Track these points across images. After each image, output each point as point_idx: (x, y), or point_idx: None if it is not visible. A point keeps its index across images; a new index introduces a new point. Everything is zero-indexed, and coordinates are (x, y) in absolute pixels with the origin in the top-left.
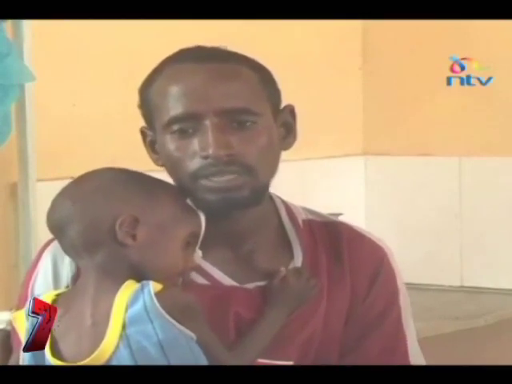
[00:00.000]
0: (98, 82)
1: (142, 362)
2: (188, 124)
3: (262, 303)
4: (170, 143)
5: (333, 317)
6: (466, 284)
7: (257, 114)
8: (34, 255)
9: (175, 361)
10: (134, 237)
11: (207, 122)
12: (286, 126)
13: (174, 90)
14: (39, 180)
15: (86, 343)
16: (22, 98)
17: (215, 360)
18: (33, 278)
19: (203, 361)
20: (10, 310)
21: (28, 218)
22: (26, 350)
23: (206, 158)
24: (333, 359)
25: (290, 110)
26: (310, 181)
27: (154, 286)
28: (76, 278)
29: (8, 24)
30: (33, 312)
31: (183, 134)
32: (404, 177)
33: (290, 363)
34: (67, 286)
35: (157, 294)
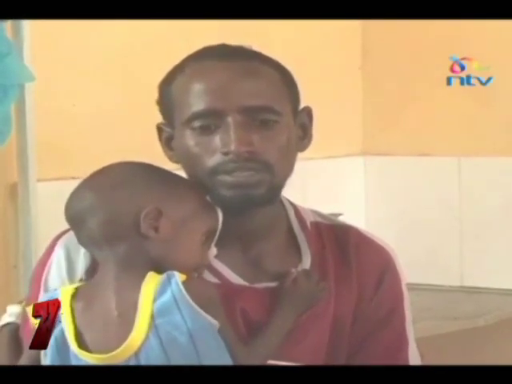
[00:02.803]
0: (98, 82)
1: (171, 352)
2: (210, 120)
3: (270, 303)
4: (190, 139)
5: (340, 319)
6: (466, 284)
7: (279, 113)
8: (34, 256)
9: (203, 349)
10: (156, 229)
11: (230, 119)
12: (303, 127)
13: (197, 86)
14: (39, 180)
15: (112, 335)
16: (21, 98)
17: (232, 351)
18: (45, 270)
19: (225, 351)
20: (20, 303)
21: (28, 218)
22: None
23: (226, 154)
24: (342, 360)
25: (308, 111)
26: (310, 181)
27: (179, 276)
28: (91, 270)
29: (8, 24)
30: (33, 316)
31: (204, 130)
32: (403, 177)
33: (299, 364)
34: (81, 279)
35: (184, 284)
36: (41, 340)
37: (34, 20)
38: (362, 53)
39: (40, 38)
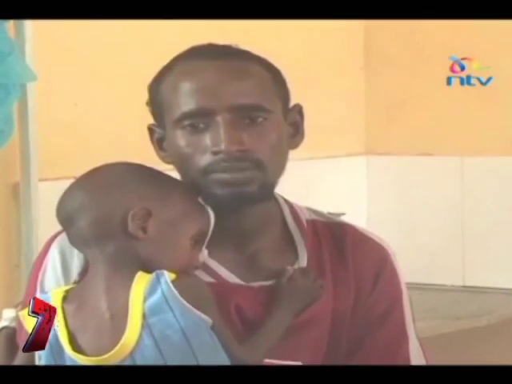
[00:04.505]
0: (100, 81)
1: (165, 350)
2: (200, 119)
3: (267, 302)
4: (181, 139)
5: (339, 316)
6: (468, 284)
7: (268, 110)
8: (36, 255)
9: (197, 346)
10: (144, 230)
11: (219, 118)
12: (294, 125)
13: (186, 86)
14: (41, 180)
15: (106, 336)
16: (23, 98)
17: (227, 348)
18: (41, 272)
19: (220, 348)
20: (16, 306)
21: (30, 217)
22: (25, 350)
23: (217, 153)
24: (341, 358)
25: (299, 109)
26: (313, 180)
27: (169, 275)
28: (84, 272)
29: (10, 24)
30: (33, 312)
31: (194, 129)
32: (406, 176)
33: (299, 363)
34: (75, 282)
35: (173, 282)
36: (39, 340)
37: (36, 20)
38: (364, 53)
39: (42, 37)
